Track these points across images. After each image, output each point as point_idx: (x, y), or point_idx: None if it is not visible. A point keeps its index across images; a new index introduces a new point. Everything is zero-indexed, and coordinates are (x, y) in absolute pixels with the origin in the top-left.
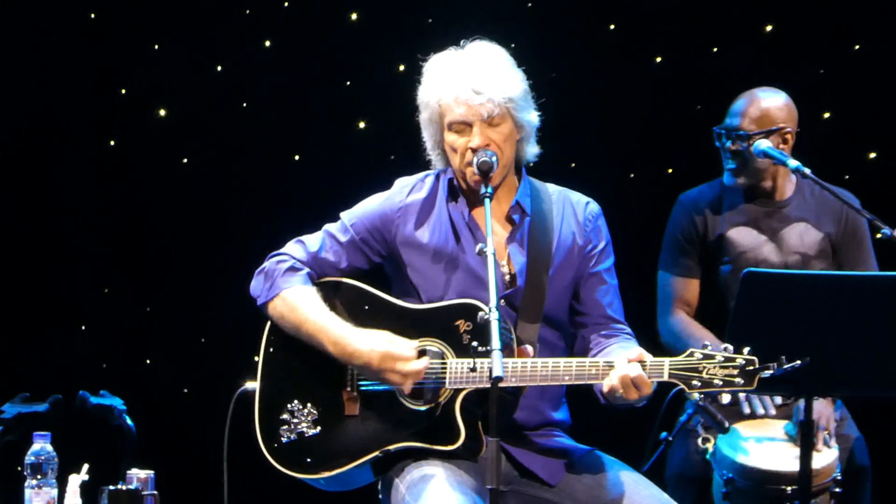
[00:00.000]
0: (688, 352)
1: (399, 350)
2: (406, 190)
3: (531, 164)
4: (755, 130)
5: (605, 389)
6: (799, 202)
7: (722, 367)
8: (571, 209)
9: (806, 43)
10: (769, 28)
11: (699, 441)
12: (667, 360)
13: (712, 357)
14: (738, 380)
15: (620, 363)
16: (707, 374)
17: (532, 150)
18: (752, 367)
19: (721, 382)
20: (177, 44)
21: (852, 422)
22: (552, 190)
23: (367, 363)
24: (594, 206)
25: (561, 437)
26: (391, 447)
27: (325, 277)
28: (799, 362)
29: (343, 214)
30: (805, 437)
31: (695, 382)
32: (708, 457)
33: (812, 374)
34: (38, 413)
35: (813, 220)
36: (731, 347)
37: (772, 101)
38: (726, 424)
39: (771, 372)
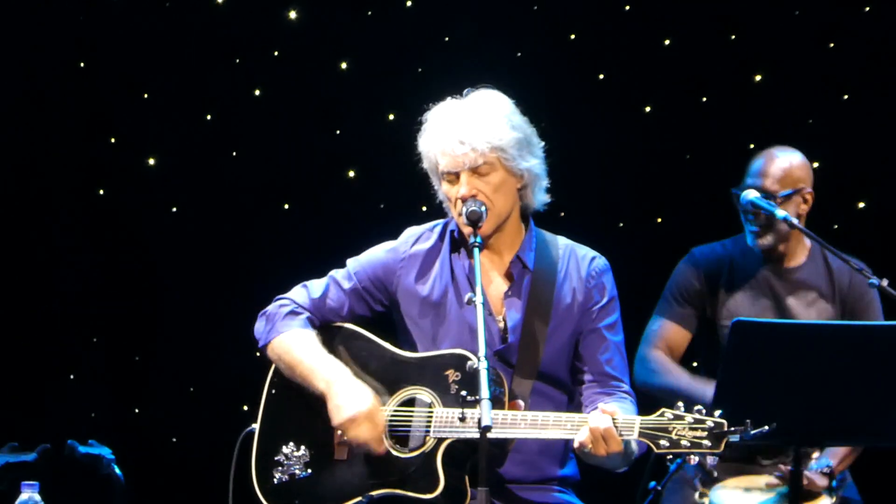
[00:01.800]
0: (659, 411)
1: (376, 417)
2: (412, 240)
3: (539, 212)
4: (780, 192)
5: (576, 444)
6: (811, 269)
7: (691, 429)
8: (576, 264)
9: (795, 93)
10: (758, 78)
11: (696, 495)
12: (638, 419)
13: (682, 418)
14: (705, 442)
15: (593, 417)
16: (676, 434)
17: (540, 198)
18: (720, 431)
19: (689, 444)
20: (167, 92)
21: (853, 484)
22: (561, 244)
23: (344, 406)
24: (599, 262)
25: (560, 493)
26: (374, 493)
27: (327, 323)
28: (766, 427)
29: (349, 261)
30: (793, 487)
31: (663, 442)
32: None
33: (804, 425)
34: (26, 462)
35: (824, 292)
36: (703, 409)
37: (793, 161)
38: (714, 474)
39: (738, 437)
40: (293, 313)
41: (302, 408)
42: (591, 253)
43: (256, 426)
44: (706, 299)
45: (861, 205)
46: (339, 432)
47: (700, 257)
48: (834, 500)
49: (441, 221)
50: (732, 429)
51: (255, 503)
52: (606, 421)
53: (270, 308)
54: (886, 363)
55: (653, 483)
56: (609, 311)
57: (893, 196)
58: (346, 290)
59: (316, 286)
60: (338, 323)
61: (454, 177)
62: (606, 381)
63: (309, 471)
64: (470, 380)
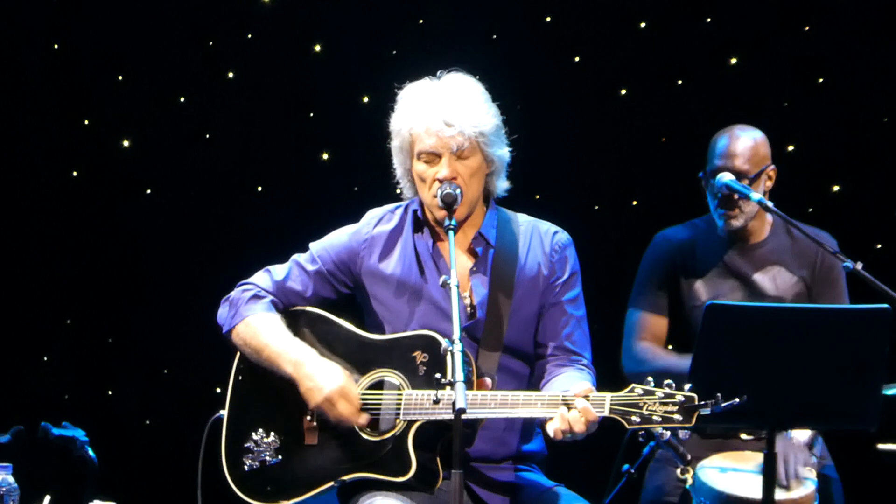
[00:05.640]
0: (629, 387)
1: (351, 392)
2: (374, 222)
3: (500, 198)
4: (752, 172)
5: (551, 432)
6: (775, 243)
7: (661, 404)
8: (539, 239)
9: (770, 76)
10: (733, 61)
11: (678, 472)
12: (608, 396)
13: (652, 393)
14: (676, 416)
15: (570, 406)
16: (647, 409)
17: (502, 185)
18: (690, 405)
19: (660, 418)
20: (140, 75)
21: (832, 463)
22: (522, 220)
23: (318, 388)
24: (562, 236)
25: (527, 472)
26: (346, 477)
27: (291, 306)
28: (737, 400)
29: (312, 245)
30: (768, 469)
31: (634, 418)
32: (688, 487)
33: (775, 407)
34: None
35: (788, 263)
36: (672, 384)
37: (756, 138)
38: (688, 457)
39: (709, 410)
40: (256, 297)
41: (270, 393)
42: (553, 228)
43: (225, 413)
44: (676, 283)
45: (835, 188)
46: (309, 417)
47: (664, 242)
48: (815, 484)
49: (400, 204)
50: (703, 402)
51: (226, 489)
52: (583, 405)
53: (233, 293)
54: (857, 346)
55: (626, 466)
56: (571, 285)
57: (867, 179)
58: (310, 273)
59: (279, 270)
60: (302, 307)
61: (434, 157)
62: (566, 354)
63: (280, 457)
64: (437, 360)
